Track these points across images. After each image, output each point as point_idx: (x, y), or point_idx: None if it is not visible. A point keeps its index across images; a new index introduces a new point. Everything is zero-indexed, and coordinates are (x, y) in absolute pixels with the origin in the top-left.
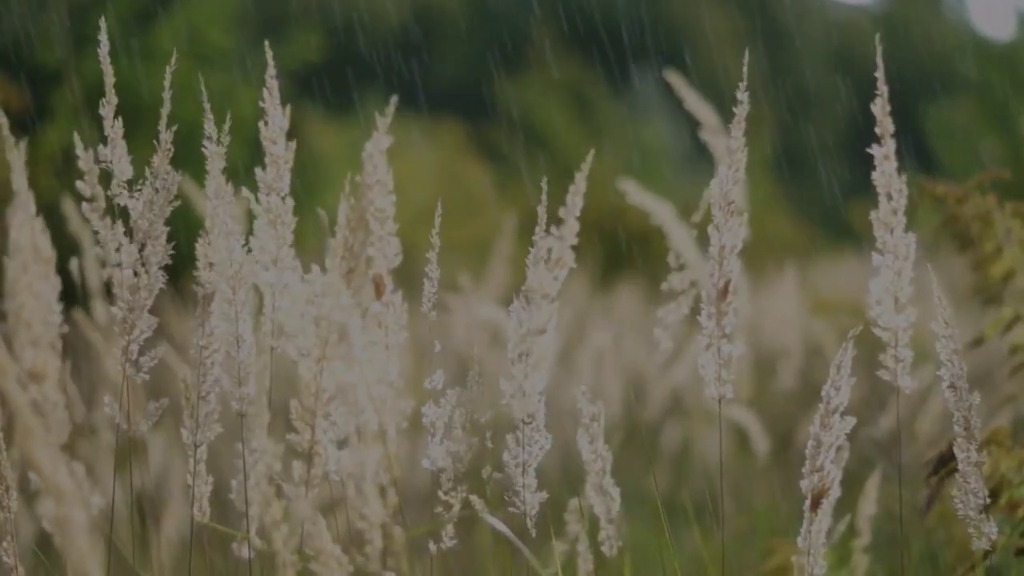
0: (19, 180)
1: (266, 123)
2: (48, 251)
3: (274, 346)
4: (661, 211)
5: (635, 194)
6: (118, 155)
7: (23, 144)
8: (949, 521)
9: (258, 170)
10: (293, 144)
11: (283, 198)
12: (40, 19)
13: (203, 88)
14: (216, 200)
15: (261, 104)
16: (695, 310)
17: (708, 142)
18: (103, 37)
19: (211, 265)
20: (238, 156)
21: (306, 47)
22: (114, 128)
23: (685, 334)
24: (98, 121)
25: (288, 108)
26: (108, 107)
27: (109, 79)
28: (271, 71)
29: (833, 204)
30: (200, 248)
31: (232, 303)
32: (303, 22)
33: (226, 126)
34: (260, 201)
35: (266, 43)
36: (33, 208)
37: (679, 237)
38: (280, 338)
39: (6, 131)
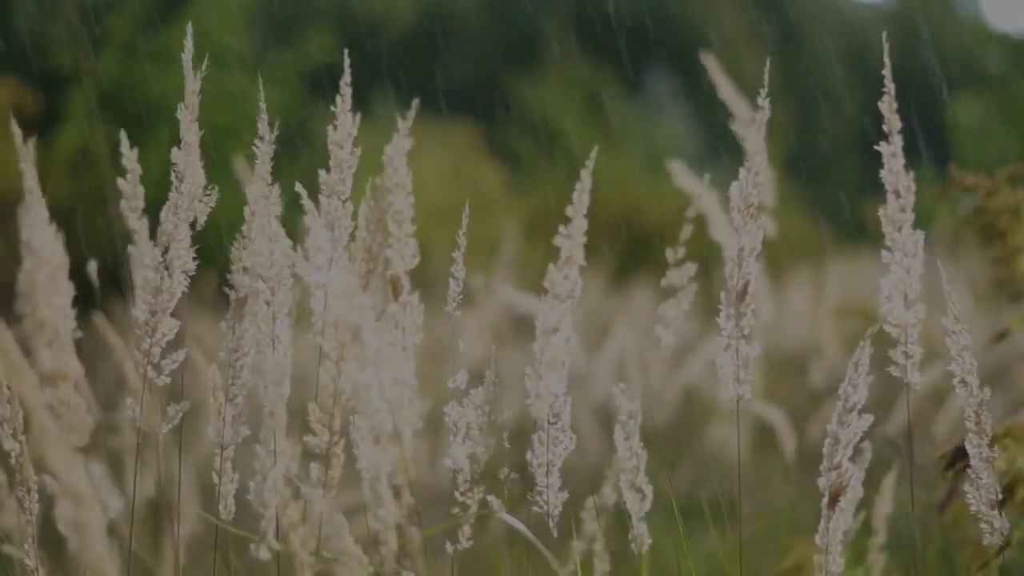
0: (30, 180)
1: (335, 127)
2: (61, 255)
3: (322, 344)
4: (705, 197)
5: (681, 177)
6: (193, 161)
7: (32, 142)
8: (965, 519)
9: (322, 172)
10: (359, 150)
11: (344, 201)
12: (53, 22)
13: (261, 88)
14: (262, 201)
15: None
16: (709, 308)
17: (739, 135)
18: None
19: (245, 269)
20: (251, 155)
21: (320, 48)
22: (193, 133)
23: (698, 333)
24: (110, 123)
25: (358, 116)
26: (187, 111)
27: (193, 86)
28: (347, 78)
29: (847, 203)
30: (234, 251)
31: (271, 304)
32: (316, 23)
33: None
34: (320, 203)
35: (345, 51)
36: (45, 212)
37: (721, 225)
38: (316, 336)
39: (18, 138)
